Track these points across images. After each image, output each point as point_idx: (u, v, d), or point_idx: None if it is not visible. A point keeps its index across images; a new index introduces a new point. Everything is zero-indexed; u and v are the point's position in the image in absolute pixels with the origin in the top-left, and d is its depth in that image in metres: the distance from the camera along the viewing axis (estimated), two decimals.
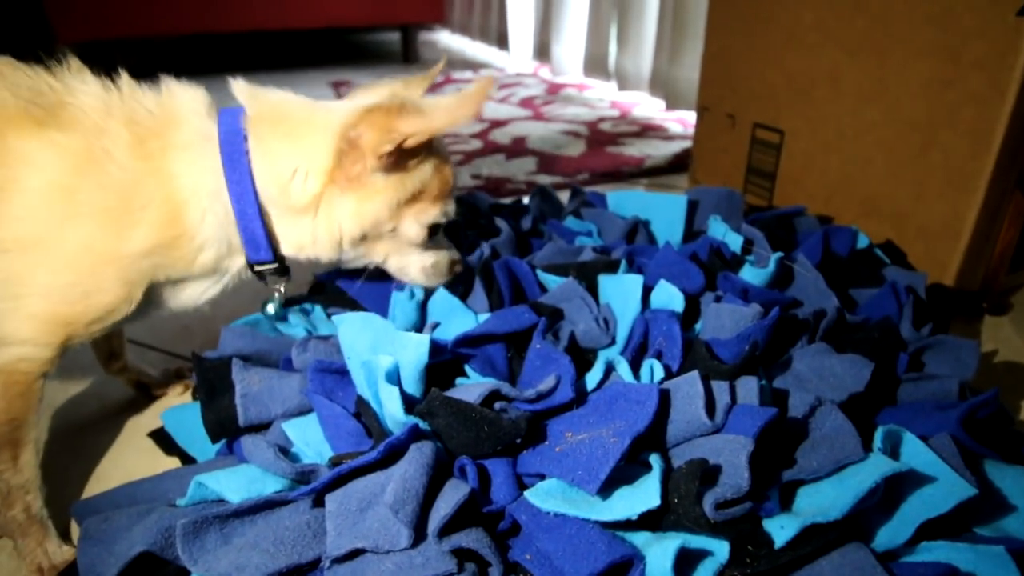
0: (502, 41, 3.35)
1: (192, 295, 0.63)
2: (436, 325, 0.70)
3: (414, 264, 0.69)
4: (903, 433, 0.51)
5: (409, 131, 0.57)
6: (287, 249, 0.64)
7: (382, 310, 0.74)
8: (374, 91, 0.68)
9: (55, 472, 0.65)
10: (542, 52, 2.97)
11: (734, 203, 0.96)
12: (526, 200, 1.06)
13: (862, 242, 0.88)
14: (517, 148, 1.75)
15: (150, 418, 0.76)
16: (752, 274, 0.75)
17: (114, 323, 0.58)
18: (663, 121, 2.01)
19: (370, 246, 0.66)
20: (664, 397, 0.54)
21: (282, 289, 0.71)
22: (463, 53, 3.55)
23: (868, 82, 0.97)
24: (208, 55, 3.44)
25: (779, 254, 0.76)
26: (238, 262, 0.63)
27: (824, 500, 0.47)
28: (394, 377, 0.57)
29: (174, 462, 0.67)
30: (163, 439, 0.69)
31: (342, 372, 0.63)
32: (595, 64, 2.56)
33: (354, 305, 0.78)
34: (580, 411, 0.56)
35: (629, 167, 1.59)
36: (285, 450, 0.59)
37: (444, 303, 0.73)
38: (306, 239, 0.63)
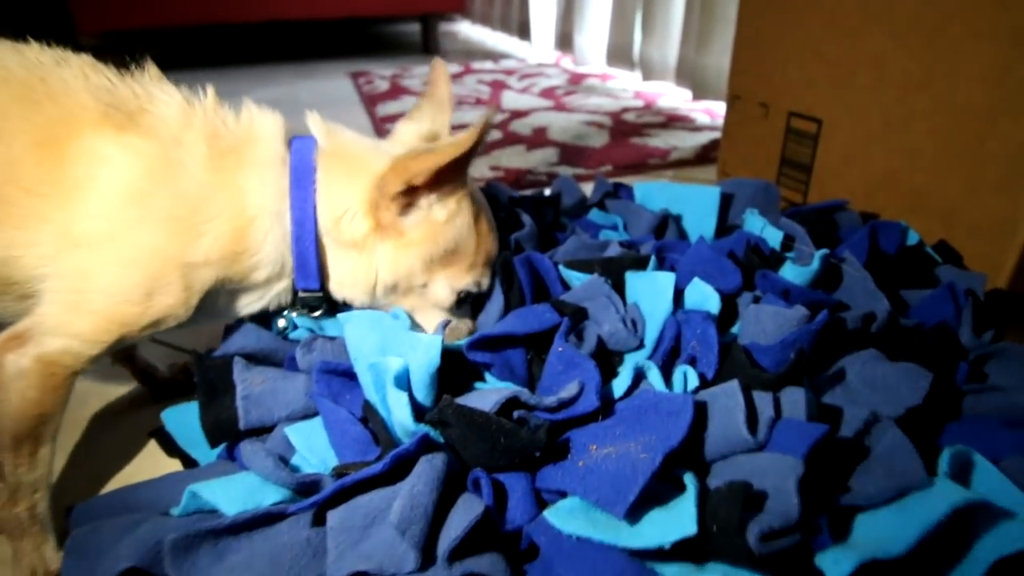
0: (523, 31, 3.29)
1: (237, 307, 0.64)
2: (448, 323, 0.66)
3: (433, 321, 0.68)
4: (974, 455, 0.45)
5: (416, 168, 0.59)
6: (331, 283, 0.65)
7: None
8: (412, 122, 0.71)
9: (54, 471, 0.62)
10: (564, 42, 2.90)
11: (771, 196, 0.90)
12: (548, 192, 1.01)
13: (911, 239, 0.82)
14: (538, 139, 1.70)
15: (154, 416, 0.72)
16: (794, 273, 0.69)
17: (167, 328, 0.58)
18: (690, 111, 1.94)
19: (399, 298, 0.66)
20: (700, 409, 0.49)
21: (295, 314, 0.69)
22: (483, 43, 3.50)
23: (917, 67, 0.90)
24: (228, 45, 3.43)
25: (824, 251, 0.70)
26: (283, 284, 0.64)
27: (884, 532, 0.42)
28: (404, 381, 0.53)
29: (177, 463, 0.64)
30: (165, 438, 0.65)
31: (350, 374, 0.59)
32: (619, 53, 2.49)
33: None
34: (606, 422, 0.51)
35: (654, 159, 1.53)
36: (286, 459, 0.56)
37: None
38: (347, 276, 0.64)
